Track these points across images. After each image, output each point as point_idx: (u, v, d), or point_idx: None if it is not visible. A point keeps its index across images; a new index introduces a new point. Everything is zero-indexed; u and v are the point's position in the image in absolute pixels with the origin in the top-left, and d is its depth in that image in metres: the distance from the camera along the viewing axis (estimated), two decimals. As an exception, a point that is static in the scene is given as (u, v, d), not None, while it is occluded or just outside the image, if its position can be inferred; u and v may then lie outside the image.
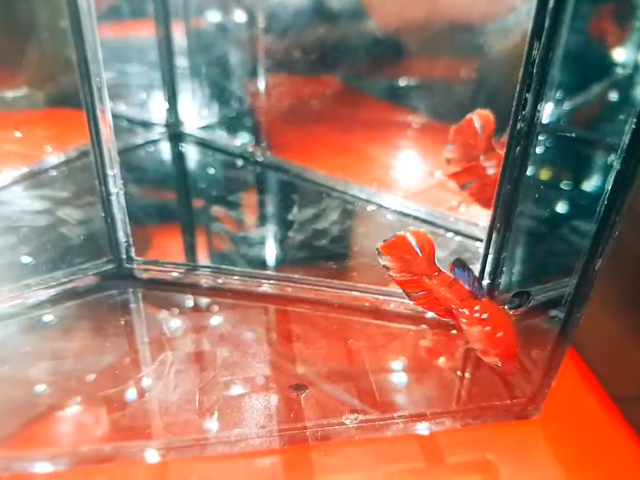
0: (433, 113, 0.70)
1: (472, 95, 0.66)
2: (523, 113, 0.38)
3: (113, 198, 0.47)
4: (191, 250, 0.56)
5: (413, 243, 0.37)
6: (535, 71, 0.37)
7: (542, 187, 0.42)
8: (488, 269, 0.43)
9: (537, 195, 0.42)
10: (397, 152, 0.72)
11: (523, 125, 0.38)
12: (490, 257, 0.42)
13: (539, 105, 0.37)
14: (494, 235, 0.42)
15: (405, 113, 0.71)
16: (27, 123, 0.69)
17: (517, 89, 0.38)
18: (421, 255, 0.37)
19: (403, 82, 0.71)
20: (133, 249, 0.50)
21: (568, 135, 0.42)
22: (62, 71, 0.69)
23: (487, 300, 0.38)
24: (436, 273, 0.38)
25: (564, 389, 0.41)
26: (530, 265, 0.44)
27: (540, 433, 0.39)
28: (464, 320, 0.37)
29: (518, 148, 0.39)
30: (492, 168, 0.46)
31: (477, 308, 0.37)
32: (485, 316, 0.37)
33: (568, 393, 0.41)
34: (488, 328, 0.36)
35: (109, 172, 0.46)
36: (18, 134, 0.67)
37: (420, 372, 0.41)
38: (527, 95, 0.37)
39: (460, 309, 0.37)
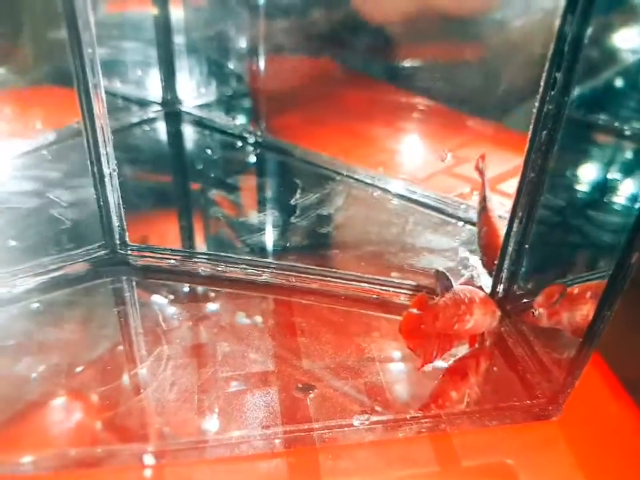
0: (438, 96, 0.67)
1: (477, 78, 0.63)
2: (552, 93, 0.35)
3: (107, 179, 0.44)
4: (188, 236, 0.53)
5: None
6: (566, 48, 0.34)
7: (568, 176, 0.40)
8: (508, 261, 0.41)
9: (562, 185, 0.40)
10: (401, 135, 0.69)
11: (551, 107, 0.35)
12: (510, 248, 0.40)
13: (570, 87, 0.34)
14: (515, 225, 0.39)
15: (409, 95, 0.68)
16: (17, 101, 0.66)
17: (546, 67, 0.35)
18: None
19: (406, 64, 0.68)
20: (127, 234, 0.47)
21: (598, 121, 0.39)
22: (52, 48, 0.65)
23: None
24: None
25: (584, 389, 0.38)
26: (553, 258, 0.41)
27: (560, 434, 0.36)
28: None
29: (545, 132, 0.36)
30: None
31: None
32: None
33: (588, 393, 0.39)
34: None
35: (102, 151, 0.43)
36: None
37: (436, 371, 0.39)
38: (556, 74, 0.34)
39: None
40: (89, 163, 0.44)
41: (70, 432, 0.35)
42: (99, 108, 0.42)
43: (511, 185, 0.57)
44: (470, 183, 0.61)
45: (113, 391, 0.37)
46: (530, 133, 0.36)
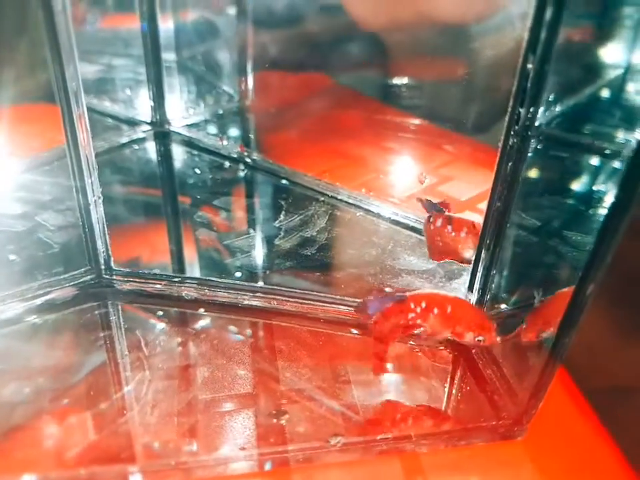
0: (424, 113, 0.68)
1: (463, 96, 0.65)
2: (516, 127, 0.36)
3: (91, 207, 0.46)
4: (173, 258, 0.54)
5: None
6: (529, 85, 0.35)
7: (533, 199, 0.41)
8: (476, 285, 0.42)
9: (527, 208, 0.41)
10: (386, 155, 0.70)
11: (515, 141, 0.36)
12: (478, 273, 0.41)
13: (532, 120, 0.36)
14: (483, 252, 0.41)
15: (396, 113, 0.70)
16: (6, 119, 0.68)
17: (510, 103, 0.36)
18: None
19: (394, 81, 0.70)
20: (112, 260, 0.48)
21: (561, 140, 0.41)
22: (40, 66, 0.67)
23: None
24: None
25: (550, 404, 0.40)
26: (519, 280, 0.43)
27: (525, 453, 0.38)
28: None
29: (510, 164, 0.37)
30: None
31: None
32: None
33: (553, 409, 0.40)
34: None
35: (87, 180, 0.45)
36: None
37: (405, 391, 0.40)
38: (520, 109, 0.36)
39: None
40: (73, 191, 0.45)
41: (54, 454, 0.36)
42: (84, 138, 0.44)
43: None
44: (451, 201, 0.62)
45: (96, 413, 0.39)
46: (496, 165, 0.38)
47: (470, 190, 0.64)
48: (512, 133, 0.36)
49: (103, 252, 0.47)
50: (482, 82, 0.60)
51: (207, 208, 0.61)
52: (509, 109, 0.36)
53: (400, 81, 0.69)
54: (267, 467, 0.36)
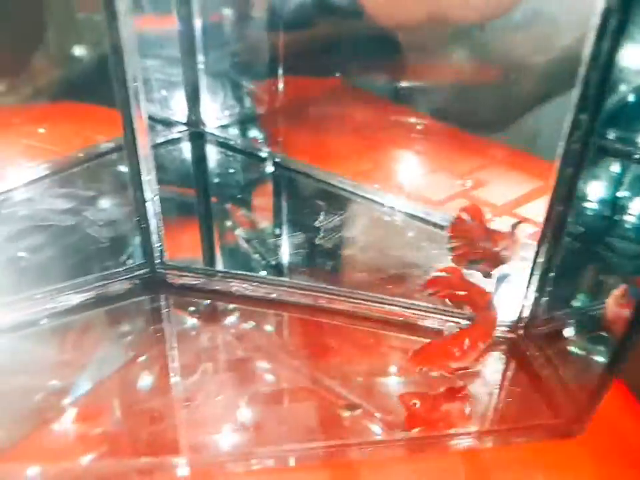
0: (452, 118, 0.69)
1: (488, 100, 0.66)
2: (578, 133, 0.37)
3: (148, 204, 0.47)
4: (211, 255, 0.55)
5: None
6: (592, 92, 0.36)
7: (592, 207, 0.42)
8: (533, 287, 0.43)
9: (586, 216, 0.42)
10: (416, 158, 0.71)
11: (576, 147, 0.38)
12: (535, 275, 0.42)
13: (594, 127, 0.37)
14: (541, 254, 0.42)
15: (427, 117, 0.71)
16: (45, 118, 0.69)
17: (572, 110, 0.37)
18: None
19: (422, 84, 0.71)
20: (165, 255, 0.49)
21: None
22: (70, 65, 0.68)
23: None
24: None
25: (605, 407, 0.40)
26: (578, 284, 0.43)
27: (584, 451, 0.39)
28: None
29: (570, 168, 0.38)
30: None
31: None
32: None
33: (611, 411, 0.41)
34: None
35: (144, 178, 0.46)
36: (41, 130, 0.66)
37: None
38: (581, 116, 0.37)
39: None
40: (131, 189, 0.46)
41: (115, 444, 0.37)
42: (143, 137, 0.45)
43: (527, 209, 0.60)
44: (487, 207, 0.63)
45: (157, 404, 0.39)
46: (557, 170, 0.38)
47: (505, 194, 0.65)
48: (573, 139, 0.38)
49: (158, 247, 0.48)
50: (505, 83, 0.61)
51: (245, 208, 0.62)
52: (572, 116, 0.37)
53: (425, 84, 0.70)
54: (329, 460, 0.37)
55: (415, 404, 0.39)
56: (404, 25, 0.65)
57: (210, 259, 0.56)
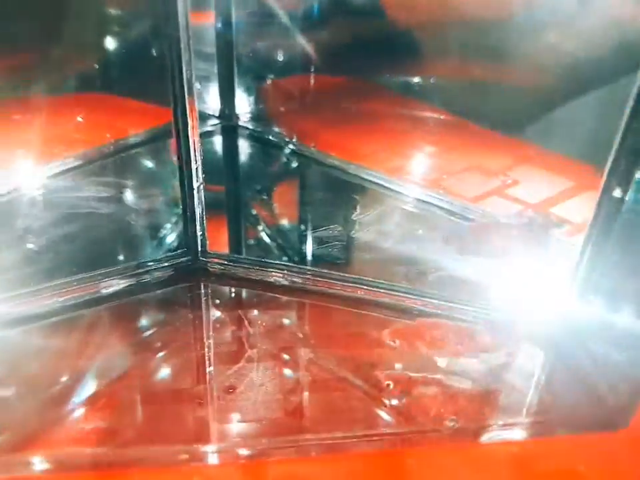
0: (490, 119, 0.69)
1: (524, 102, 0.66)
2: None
3: (194, 192, 0.47)
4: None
5: None
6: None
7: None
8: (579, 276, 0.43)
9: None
10: (449, 155, 0.71)
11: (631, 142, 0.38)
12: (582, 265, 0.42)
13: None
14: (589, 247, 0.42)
15: (450, 115, 0.71)
16: (79, 108, 0.69)
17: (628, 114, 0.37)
18: None
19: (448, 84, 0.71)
20: (208, 243, 0.50)
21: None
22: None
23: None
24: None
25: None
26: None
27: (626, 444, 0.39)
28: None
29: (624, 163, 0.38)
30: None
31: None
32: None
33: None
34: None
35: (193, 166, 0.46)
36: (79, 119, 0.67)
37: (507, 381, 0.41)
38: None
39: None
40: (178, 176, 0.47)
41: (165, 429, 0.38)
42: (193, 126, 0.45)
43: (562, 209, 0.60)
44: (521, 205, 0.63)
45: (202, 389, 0.40)
46: (609, 163, 0.38)
47: (539, 193, 0.65)
48: (628, 134, 0.38)
49: (200, 235, 0.49)
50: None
51: (284, 201, 0.63)
52: (626, 116, 0.37)
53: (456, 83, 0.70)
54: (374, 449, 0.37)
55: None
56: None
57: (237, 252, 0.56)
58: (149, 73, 0.57)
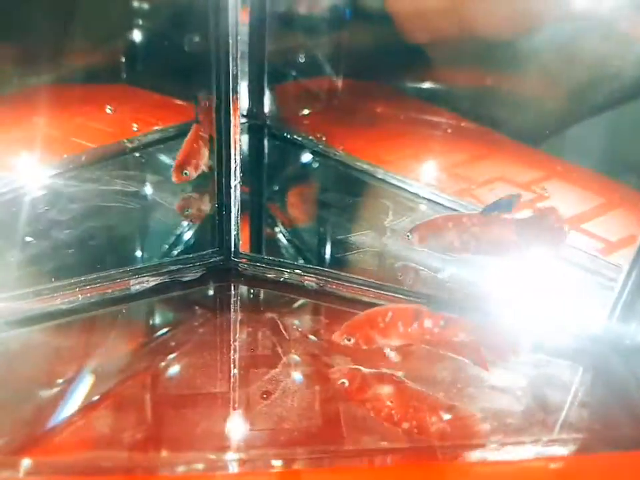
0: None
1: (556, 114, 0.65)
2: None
3: (232, 190, 0.46)
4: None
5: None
6: None
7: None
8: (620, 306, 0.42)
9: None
10: (476, 166, 0.71)
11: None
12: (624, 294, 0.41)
13: None
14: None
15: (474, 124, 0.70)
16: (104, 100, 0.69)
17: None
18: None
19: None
20: (240, 243, 0.49)
21: None
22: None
23: None
24: None
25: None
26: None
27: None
28: None
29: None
30: None
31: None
32: None
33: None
34: None
35: (232, 165, 0.46)
36: (109, 110, 0.66)
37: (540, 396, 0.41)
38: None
39: None
40: (216, 174, 0.46)
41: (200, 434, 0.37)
42: (235, 124, 0.45)
43: (595, 225, 0.60)
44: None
45: (238, 393, 0.39)
46: None
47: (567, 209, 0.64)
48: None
49: (235, 235, 0.48)
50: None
51: (311, 205, 0.62)
52: None
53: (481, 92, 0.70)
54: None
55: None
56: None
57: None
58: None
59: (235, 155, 0.46)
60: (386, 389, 0.40)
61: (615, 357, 0.43)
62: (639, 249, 0.40)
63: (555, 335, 0.45)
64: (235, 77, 0.43)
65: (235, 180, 0.46)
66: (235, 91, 0.43)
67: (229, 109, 0.44)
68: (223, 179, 0.46)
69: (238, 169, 0.46)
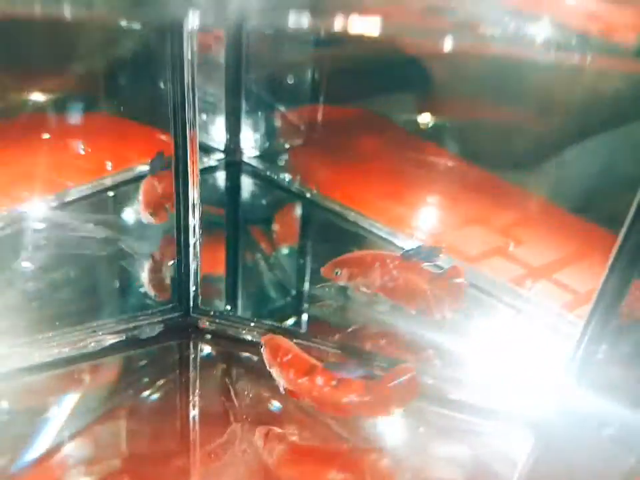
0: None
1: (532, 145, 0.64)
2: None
3: (190, 248, 0.46)
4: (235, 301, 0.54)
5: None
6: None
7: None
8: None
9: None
10: (451, 207, 0.70)
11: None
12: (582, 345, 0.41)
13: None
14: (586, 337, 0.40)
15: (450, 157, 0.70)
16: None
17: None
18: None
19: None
20: (200, 299, 0.48)
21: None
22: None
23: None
24: None
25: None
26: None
27: None
28: None
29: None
30: None
31: None
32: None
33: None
34: None
35: (190, 222, 0.45)
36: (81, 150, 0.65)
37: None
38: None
39: None
40: (175, 231, 0.46)
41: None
42: (193, 180, 0.44)
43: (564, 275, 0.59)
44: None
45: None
46: (621, 237, 0.37)
47: (541, 256, 0.64)
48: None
49: (194, 291, 0.48)
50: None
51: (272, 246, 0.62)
52: None
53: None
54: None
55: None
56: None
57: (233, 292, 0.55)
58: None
59: (193, 213, 0.45)
60: None
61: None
62: (591, 310, 0.40)
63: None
64: (192, 123, 0.42)
65: (194, 238, 0.46)
66: (193, 154, 0.43)
67: (187, 167, 0.43)
68: (182, 236, 0.45)
69: (197, 226, 0.46)
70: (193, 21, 0.40)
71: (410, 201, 0.72)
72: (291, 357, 0.40)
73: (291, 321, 0.51)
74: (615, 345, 0.40)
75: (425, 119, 0.74)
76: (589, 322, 0.40)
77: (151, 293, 0.51)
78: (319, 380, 0.39)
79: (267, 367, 0.41)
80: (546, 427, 0.43)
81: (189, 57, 0.40)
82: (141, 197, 0.54)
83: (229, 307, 0.53)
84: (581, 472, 0.41)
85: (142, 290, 0.51)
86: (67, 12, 0.43)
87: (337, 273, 0.45)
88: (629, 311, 0.40)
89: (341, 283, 0.45)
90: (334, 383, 0.38)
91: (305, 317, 0.52)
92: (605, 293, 0.39)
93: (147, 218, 0.53)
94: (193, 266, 0.47)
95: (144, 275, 0.52)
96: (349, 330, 0.50)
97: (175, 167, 0.43)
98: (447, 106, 0.72)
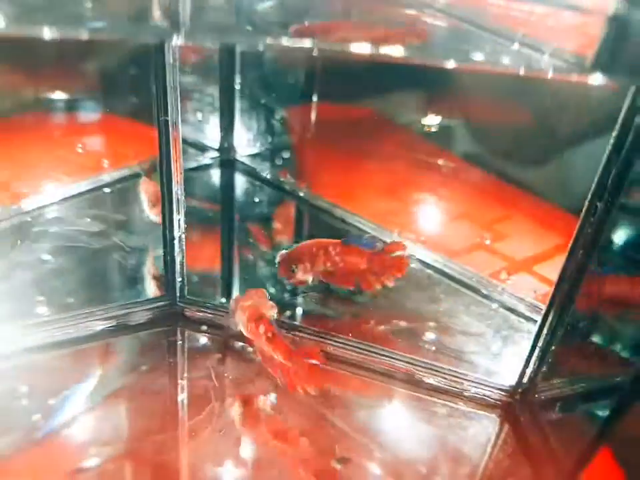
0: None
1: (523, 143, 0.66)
2: (592, 219, 0.38)
3: (175, 241, 0.49)
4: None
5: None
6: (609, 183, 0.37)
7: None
8: (533, 358, 0.44)
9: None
10: (440, 203, 0.72)
11: (590, 231, 0.38)
12: (538, 347, 0.43)
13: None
14: (546, 327, 0.43)
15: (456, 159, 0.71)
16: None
17: (588, 197, 0.38)
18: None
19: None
20: (186, 289, 0.51)
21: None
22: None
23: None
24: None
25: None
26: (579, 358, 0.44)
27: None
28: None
29: (581, 251, 0.39)
30: None
31: None
32: None
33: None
34: None
35: (175, 217, 0.48)
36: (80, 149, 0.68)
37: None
38: (598, 203, 0.38)
39: None
40: (161, 226, 0.48)
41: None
42: (177, 178, 0.47)
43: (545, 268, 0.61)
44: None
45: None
46: (577, 227, 0.39)
47: (525, 249, 0.66)
48: (587, 224, 0.38)
49: (180, 282, 0.50)
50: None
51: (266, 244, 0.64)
52: (600, 171, 0.37)
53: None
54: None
55: None
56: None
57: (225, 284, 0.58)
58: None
59: (178, 208, 0.48)
60: None
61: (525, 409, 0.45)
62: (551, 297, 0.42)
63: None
64: (175, 124, 0.45)
65: (179, 231, 0.49)
66: (176, 152, 0.45)
67: (170, 169, 0.46)
68: (167, 231, 0.48)
69: (182, 220, 0.48)
70: (176, 40, 0.42)
71: (399, 197, 0.74)
72: (249, 304, 0.44)
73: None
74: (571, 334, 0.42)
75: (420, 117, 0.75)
76: (548, 312, 0.42)
77: (140, 283, 0.53)
78: (261, 328, 0.42)
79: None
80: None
81: (171, 61, 0.43)
82: (144, 197, 0.56)
83: (220, 298, 0.55)
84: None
85: (132, 280, 0.53)
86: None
87: (293, 270, 0.45)
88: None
89: (300, 278, 0.46)
90: (269, 334, 0.42)
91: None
92: (562, 283, 0.41)
93: (153, 217, 0.56)
94: (178, 258, 0.50)
95: (135, 266, 0.55)
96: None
97: (160, 165, 0.46)
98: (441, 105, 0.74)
